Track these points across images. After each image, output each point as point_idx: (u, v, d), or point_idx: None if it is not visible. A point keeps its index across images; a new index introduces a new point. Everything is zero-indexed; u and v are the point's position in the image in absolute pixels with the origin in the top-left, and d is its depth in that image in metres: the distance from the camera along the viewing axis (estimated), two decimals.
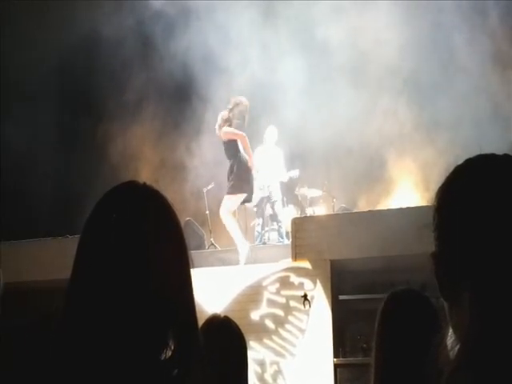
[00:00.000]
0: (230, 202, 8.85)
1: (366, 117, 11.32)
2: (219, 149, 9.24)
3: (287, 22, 11.97)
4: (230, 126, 8.92)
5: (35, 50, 12.06)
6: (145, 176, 11.69)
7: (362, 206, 10.94)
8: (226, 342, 2.07)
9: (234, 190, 8.78)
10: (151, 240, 1.21)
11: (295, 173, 9.94)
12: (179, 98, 12.42)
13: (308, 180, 10.47)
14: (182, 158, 12.04)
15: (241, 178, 8.74)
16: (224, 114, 8.99)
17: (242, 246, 8.66)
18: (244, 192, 8.81)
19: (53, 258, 8.66)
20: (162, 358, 1.18)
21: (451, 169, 1.08)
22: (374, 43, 11.17)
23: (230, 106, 9.00)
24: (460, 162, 1.07)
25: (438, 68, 11.27)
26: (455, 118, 10.58)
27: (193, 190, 11.12)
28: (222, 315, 2.27)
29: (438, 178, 1.09)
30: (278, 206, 9.77)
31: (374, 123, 11.29)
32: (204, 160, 11.23)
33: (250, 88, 10.44)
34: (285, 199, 10.31)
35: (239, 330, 2.20)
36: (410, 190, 11.12)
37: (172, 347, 1.19)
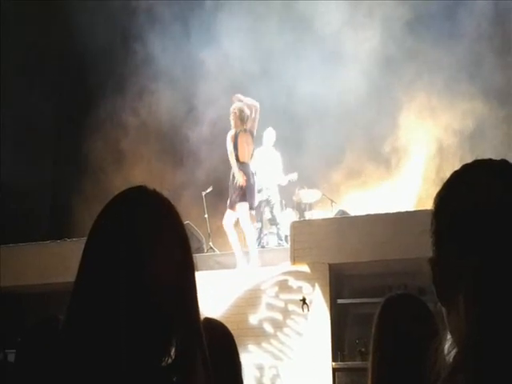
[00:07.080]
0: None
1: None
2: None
3: None
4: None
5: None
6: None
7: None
8: (219, 346, 2.06)
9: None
10: (158, 246, 1.21)
11: (294, 176, 9.91)
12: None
13: (307, 180, 10.43)
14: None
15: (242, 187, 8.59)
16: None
17: (241, 260, 8.60)
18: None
19: (51, 262, 8.65)
20: (164, 364, 1.18)
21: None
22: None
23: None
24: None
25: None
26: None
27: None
28: (214, 318, 2.25)
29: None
30: (277, 209, 9.76)
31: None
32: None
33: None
34: (283, 202, 10.30)
35: (230, 333, 2.19)
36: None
37: (174, 353, 1.19)
